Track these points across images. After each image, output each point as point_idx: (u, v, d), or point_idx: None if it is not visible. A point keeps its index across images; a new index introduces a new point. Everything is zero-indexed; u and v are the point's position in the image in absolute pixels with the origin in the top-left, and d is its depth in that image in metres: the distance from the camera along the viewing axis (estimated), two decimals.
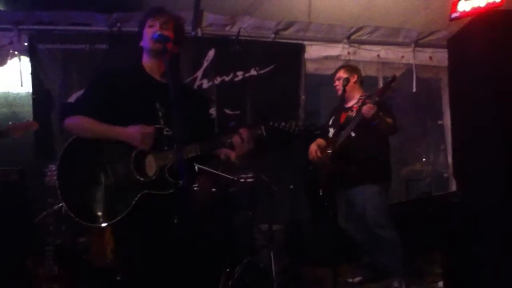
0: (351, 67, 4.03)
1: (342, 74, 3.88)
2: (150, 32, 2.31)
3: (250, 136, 2.26)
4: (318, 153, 3.84)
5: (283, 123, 2.27)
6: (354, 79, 3.88)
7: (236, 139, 2.26)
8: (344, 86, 3.73)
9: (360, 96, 3.86)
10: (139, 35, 2.40)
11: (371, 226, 3.64)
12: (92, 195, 2.21)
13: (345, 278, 3.94)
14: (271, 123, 2.27)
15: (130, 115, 2.27)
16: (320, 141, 3.96)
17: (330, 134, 3.88)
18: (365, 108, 3.38)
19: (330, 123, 3.95)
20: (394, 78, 3.43)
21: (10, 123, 3.67)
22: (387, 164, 3.81)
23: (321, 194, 3.80)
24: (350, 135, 3.60)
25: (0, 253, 3.51)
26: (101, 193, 2.22)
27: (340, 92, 3.83)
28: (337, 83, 3.91)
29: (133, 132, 2.19)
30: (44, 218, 3.33)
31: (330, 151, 3.67)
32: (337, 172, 3.63)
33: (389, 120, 3.55)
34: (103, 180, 2.22)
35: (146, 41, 2.34)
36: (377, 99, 3.39)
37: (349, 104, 3.87)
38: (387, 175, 3.80)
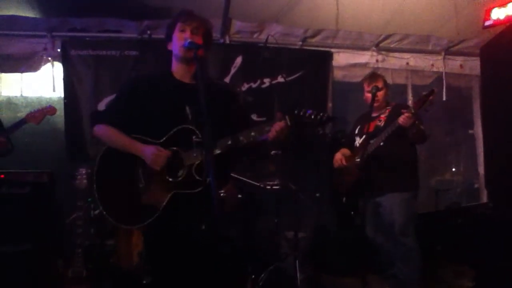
0: (383, 78, 3.91)
1: (381, 84, 3.77)
2: (181, 38, 2.32)
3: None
4: (344, 161, 3.81)
5: (308, 112, 2.26)
6: (384, 89, 3.81)
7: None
8: (374, 94, 3.66)
9: (387, 106, 3.82)
10: (169, 37, 2.41)
11: (397, 234, 3.58)
12: (126, 199, 2.28)
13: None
14: (295, 112, 2.27)
15: (160, 119, 2.31)
16: (344, 150, 3.91)
17: (357, 143, 3.83)
18: (402, 118, 3.33)
19: (356, 132, 3.88)
20: (433, 92, 3.32)
21: (30, 111, 3.77)
22: (415, 173, 3.75)
23: (344, 201, 3.77)
24: (380, 144, 3.57)
25: (30, 254, 3.58)
26: (134, 196, 2.27)
27: (377, 104, 3.74)
28: (376, 93, 3.73)
29: (148, 152, 2.24)
30: (74, 220, 3.38)
31: (358, 159, 3.63)
32: (364, 180, 3.58)
33: (422, 127, 3.51)
34: (137, 184, 2.28)
35: (177, 48, 2.35)
36: (412, 111, 3.33)
37: (376, 114, 3.81)
38: (415, 183, 3.74)
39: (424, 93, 3.35)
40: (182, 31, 2.34)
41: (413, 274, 3.58)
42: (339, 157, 3.86)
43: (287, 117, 2.27)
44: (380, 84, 3.76)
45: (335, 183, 3.95)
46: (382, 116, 3.74)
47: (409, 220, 3.60)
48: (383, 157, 3.58)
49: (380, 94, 3.73)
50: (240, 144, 2.28)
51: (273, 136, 2.26)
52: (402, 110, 3.40)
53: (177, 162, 2.26)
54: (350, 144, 3.91)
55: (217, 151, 2.25)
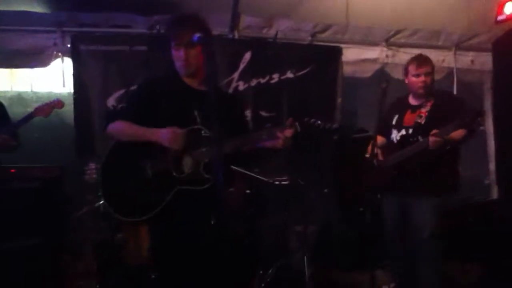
0: (431, 62, 3.45)
1: (430, 68, 3.38)
2: (178, 58, 2.33)
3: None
4: (380, 157, 3.43)
5: (318, 121, 2.28)
6: (432, 75, 3.39)
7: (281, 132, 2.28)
8: (383, 90, 3.26)
9: (429, 97, 3.41)
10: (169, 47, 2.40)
11: (424, 235, 3.30)
12: (130, 192, 2.31)
13: (379, 284, 3.85)
14: (305, 119, 2.29)
15: (170, 122, 2.31)
16: (380, 138, 3.47)
17: (394, 138, 3.46)
18: (431, 142, 3.05)
19: (394, 122, 3.47)
20: (481, 112, 2.98)
21: (37, 105, 3.80)
22: (454, 174, 3.41)
23: (379, 197, 3.50)
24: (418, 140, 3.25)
25: (40, 248, 3.62)
26: (139, 189, 2.30)
27: (425, 91, 3.36)
28: (425, 78, 3.34)
29: (164, 133, 2.26)
30: (83, 215, 3.40)
31: (393, 160, 3.32)
32: (396, 179, 3.30)
33: (456, 136, 3.11)
34: (142, 177, 2.30)
35: (177, 66, 2.38)
36: (450, 132, 3.01)
37: (417, 102, 3.44)
38: (453, 186, 3.41)
39: (472, 110, 3.00)
40: (177, 50, 2.33)
41: (435, 277, 3.37)
42: (375, 151, 3.38)
43: (297, 123, 2.28)
44: (430, 68, 3.37)
45: (364, 177, 3.58)
46: (423, 110, 3.36)
47: (439, 227, 3.33)
48: (421, 156, 3.19)
49: (428, 79, 3.35)
50: (249, 144, 2.35)
51: (282, 144, 2.28)
52: (432, 133, 3.05)
53: (183, 158, 2.29)
54: (386, 133, 3.53)
55: (227, 150, 2.26)
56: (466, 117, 2.94)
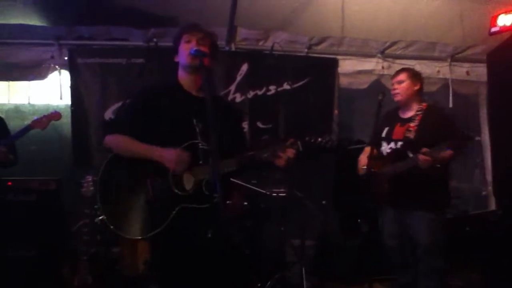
0: (416, 73, 3.55)
1: (404, 77, 3.45)
2: (187, 48, 2.34)
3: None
4: (374, 168, 3.40)
5: (319, 139, 2.28)
6: (417, 87, 3.45)
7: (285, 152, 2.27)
8: (379, 102, 3.38)
9: (418, 108, 3.43)
10: (175, 50, 2.45)
11: (422, 253, 3.32)
12: (132, 209, 2.27)
13: None
14: (307, 139, 2.29)
15: (169, 131, 2.32)
16: (368, 150, 3.51)
17: (384, 151, 3.48)
18: (421, 161, 3.07)
19: (384, 135, 3.50)
20: (470, 137, 3.05)
21: (35, 117, 3.79)
22: (445, 190, 3.44)
23: (376, 206, 3.49)
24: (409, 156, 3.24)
25: (36, 261, 3.60)
26: (141, 206, 2.27)
27: (399, 98, 3.45)
28: (396, 86, 3.46)
29: (169, 155, 2.24)
30: (80, 228, 3.39)
31: (388, 173, 3.33)
32: (390, 192, 3.31)
33: (445, 155, 3.11)
34: (143, 194, 2.27)
35: (183, 57, 2.38)
36: (440, 152, 3.04)
37: (406, 115, 3.47)
38: (445, 201, 3.44)
39: (464, 134, 3.09)
40: (188, 41, 2.37)
41: None
42: (364, 163, 3.46)
43: (299, 143, 2.28)
44: (402, 77, 3.45)
45: (362, 187, 3.58)
46: (412, 124, 3.37)
47: (437, 240, 3.32)
48: (413, 170, 3.19)
49: (400, 88, 3.43)
50: (252, 163, 2.31)
51: (284, 164, 2.27)
52: (423, 151, 3.06)
53: (183, 174, 2.27)
54: (376, 145, 3.55)
55: (231, 169, 2.26)
56: (455, 142, 3.02)
